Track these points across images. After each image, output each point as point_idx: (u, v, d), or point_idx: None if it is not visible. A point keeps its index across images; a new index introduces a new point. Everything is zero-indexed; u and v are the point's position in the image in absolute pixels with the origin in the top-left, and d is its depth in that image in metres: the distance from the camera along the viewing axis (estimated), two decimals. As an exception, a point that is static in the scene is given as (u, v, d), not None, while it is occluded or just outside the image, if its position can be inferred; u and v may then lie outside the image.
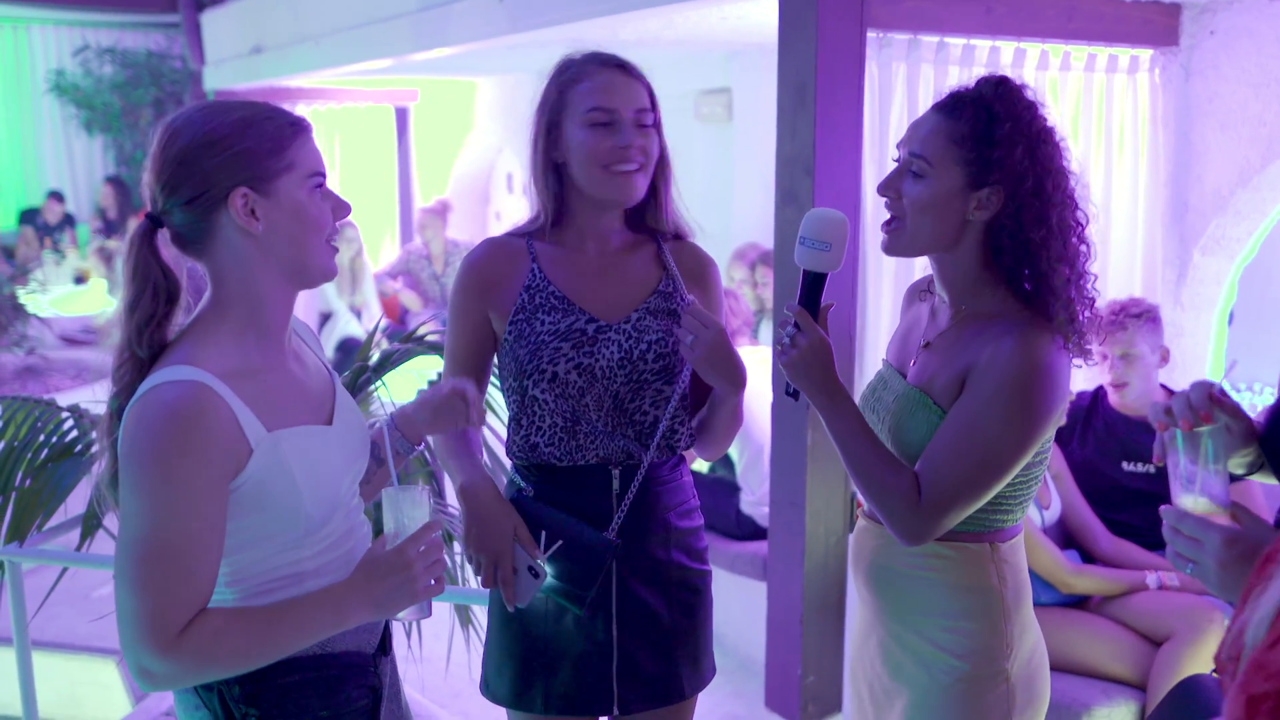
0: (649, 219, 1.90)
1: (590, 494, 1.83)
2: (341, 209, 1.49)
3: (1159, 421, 1.35)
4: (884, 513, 1.66)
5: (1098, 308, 2.97)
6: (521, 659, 1.86)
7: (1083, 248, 1.66)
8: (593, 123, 1.77)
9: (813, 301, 1.67)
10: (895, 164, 1.71)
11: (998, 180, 1.61)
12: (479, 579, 1.81)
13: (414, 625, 2.77)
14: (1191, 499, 1.30)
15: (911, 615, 1.74)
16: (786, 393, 1.73)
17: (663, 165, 1.86)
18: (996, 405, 1.60)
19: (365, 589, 1.41)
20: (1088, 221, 1.68)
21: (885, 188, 1.70)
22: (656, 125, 1.84)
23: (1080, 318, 1.65)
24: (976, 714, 1.69)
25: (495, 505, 1.80)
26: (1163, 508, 1.31)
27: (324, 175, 1.47)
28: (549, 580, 1.80)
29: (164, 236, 1.44)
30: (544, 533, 1.80)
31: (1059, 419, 1.67)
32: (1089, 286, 1.67)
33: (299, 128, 1.45)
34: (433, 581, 1.45)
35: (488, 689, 1.93)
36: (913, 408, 1.70)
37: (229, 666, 1.38)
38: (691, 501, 1.94)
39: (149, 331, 1.42)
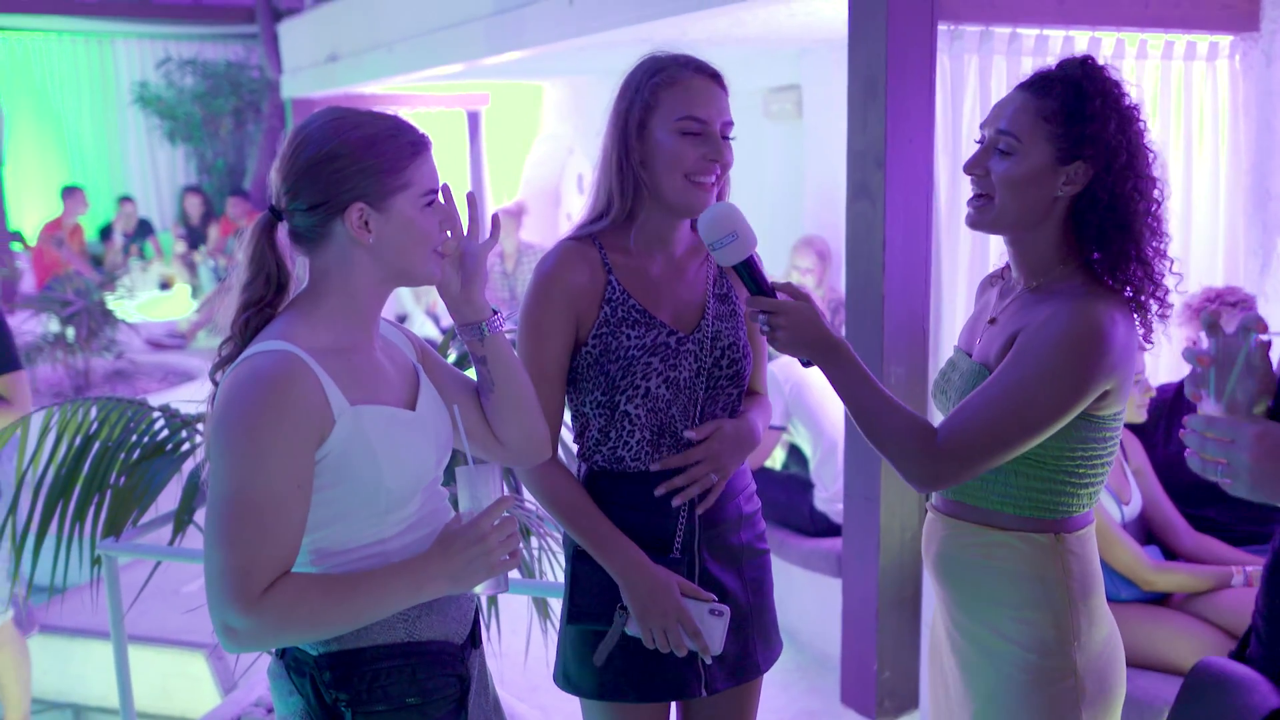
0: None
1: (665, 497, 1.86)
2: (450, 221, 1.57)
3: (1199, 356, 1.32)
4: (896, 458, 1.66)
5: (1188, 293, 2.92)
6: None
7: (1161, 227, 1.67)
8: (684, 131, 1.77)
9: (759, 286, 1.68)
10: (978, 144, 1.71)
11: (1089, 155, 1.62)
12: (665, 646, 1.79)
13: (492, 618, 2.81)
14: (1219, 407, 1.28)
15: (977, 606, 1.74)
16: (804, 364, 1.74)
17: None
18: (1039, 361, 1.60)
19: (442, 561, 1.45)
20: (1164, 201, 1.68)
21: (973, 165, 1.70)
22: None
23: (1148, 300, 1.65)
24: (1044, 705, 1.68)
25: (655, 574, 1.80)
26: (1189, 416, 1.29)
27: (437, 191, 1.54)
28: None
29: (283, 229, 1.53)
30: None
31: (1111, 390, 1.64)
32: (1164, 267, 1.67)
33: (419, 146, 1.52)
34: (508, 556, 1.48)
35: (569, 683, 1.93)
36: (976, 382, 1.71)
37: (308, 629, 1.42)
38: (752, 486, 1.99)
39: (254, 312, 1.51)
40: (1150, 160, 1.65)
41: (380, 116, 1.52)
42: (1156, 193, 1.66)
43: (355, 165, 1.46)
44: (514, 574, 2.72)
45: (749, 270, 1.68)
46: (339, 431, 1.44)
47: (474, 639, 1.65)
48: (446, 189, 1.59)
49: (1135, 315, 1.66)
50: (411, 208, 1.50)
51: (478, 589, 1.51)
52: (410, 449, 1.52)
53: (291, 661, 1.53)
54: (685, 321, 1.87)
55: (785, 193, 6.08)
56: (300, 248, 1.53)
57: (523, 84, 8.62)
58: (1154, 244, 1.65)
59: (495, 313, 1.65)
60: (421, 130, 1.54)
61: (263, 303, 1.52)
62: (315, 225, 1.49)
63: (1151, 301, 1.66)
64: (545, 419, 1.80)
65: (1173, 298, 1.69)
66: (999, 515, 1.71)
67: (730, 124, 1.81)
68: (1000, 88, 2.90)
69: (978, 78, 2.91)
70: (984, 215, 1.70)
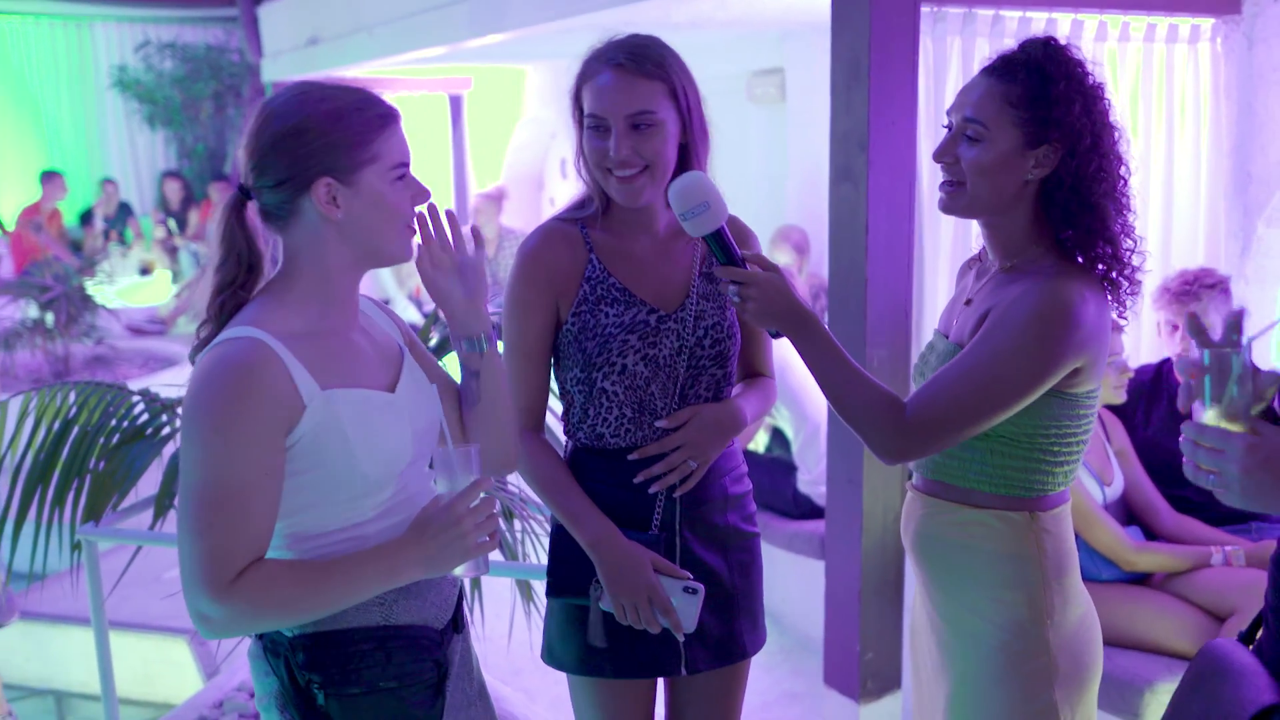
0: None
1: (645, 465, 1.86)
2: (421, 196, 1.54)
3: (1190, 370, 1.32)
4: (864, 431, 1.67)
5: (1167, 277, 2.93)
6: (588, 624, 1.88)
7: (1127, 202, 1.68)
8: (590, 126, 1.80)
9: (729, 256, 1.67)
10: (946, 130, 1.71)
11: (1056, 138, 1.63)
12: (637, 622, 1.80)
13: (475, 602, 2.81)
14: (1214, 413, 1.28)
15: (954, 585, 1.75)
16: (773, 335, 1.74)
17: (696, 144, 1.83)
18: (1008, 337, 1.61)
19: (417, 545, 1.44)
20: (1129, 177, 1.69)
21: (942, 153, 1.71)
22: (687, 112, 1.80)
23: (1119, 276, 1.66)
24: (1017, 684, 1.69)
25: (628, 549, 1.81)
26: (1184, 424, 1.29)
27: (407, 165, 1.52)
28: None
29: (253, 208, 1.51)
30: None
31: (1082, 368, 1.64)
32: (1132, 244, 1.68)
33: (387, 119, 1.50)
34: (485, 538, 1.48)
35: (551, 657, 1.96)
36: (947, 361, 1.72)
37: (282, 615, 1.42)
38: (742, 467, 1.99)
39: (228, 294, 1.50)
40: (1115, 138, 1.66)
41: (347, 89, 1.50)
42: (1123, 169, 1.67)
43: (321, 139, 1.44)
44: (497, 556, 2.72)
45: (719, 240, 1.67)
46: (310, 417, 1.43)
47: (456, 624, 1.64)
48: (428, 196, 1.57)
49: (1108, 293, 1.67)
50: (381, 182, 1.48)
51: (457, 571, 1.50)
52: (386, 432, 1.50)
53: (268, 643, 1.53)
54: (668, 300, 1.87)
55: (769, 176, 6.08)
56: (271, 227, 1.51)
57: (505, 67, 8.59)
58: (1120, 220, 1.66)
59: (495, 328, 1.65)
60: (390, 103, 1.52)
61: (235, 284, 1.50)
62: (283, 202, 1.47)
63: (1121, 279, 1.67)
64: (529, 395, 1.88)
65: (1141, 274, 1.70)
66: (975, 493, 1.73)
67: (647, 111, 1.76)
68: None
69: (960, 60, 2.91)
70: (956, 201, 1.71)
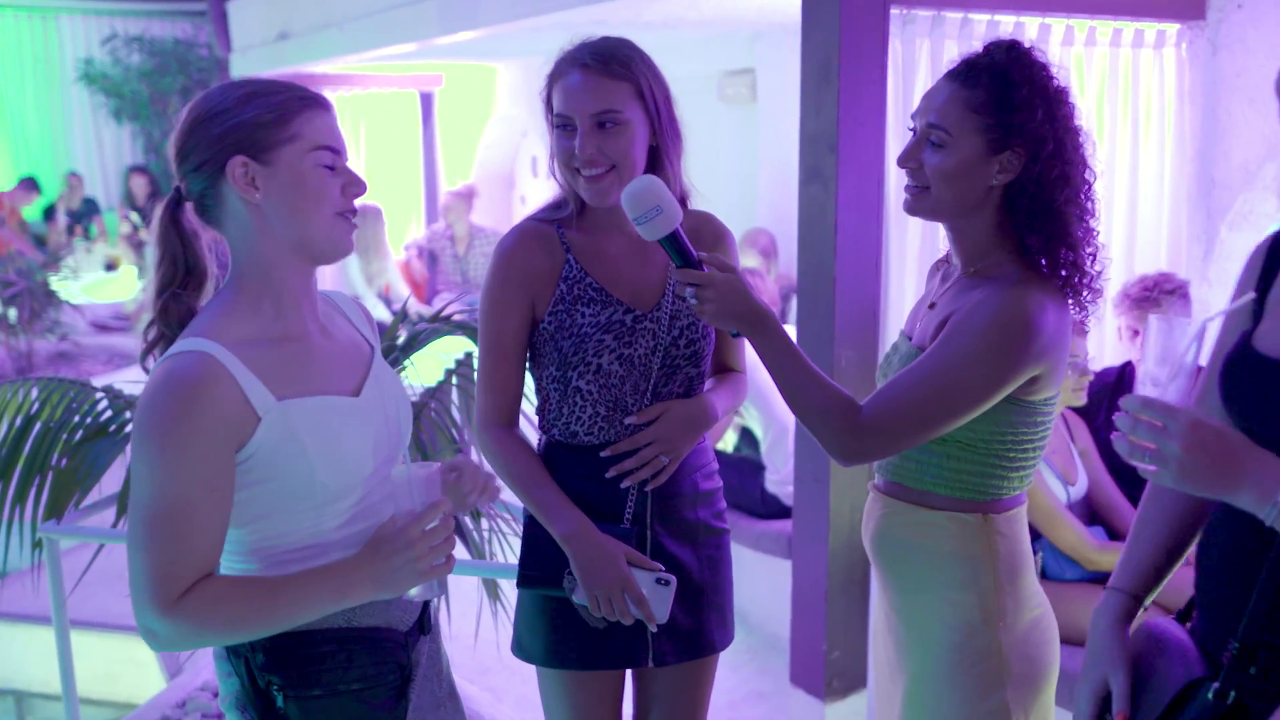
0: None
1: (618, 459, 1.88)
2: (355, 185, 1.49)
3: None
4: (819, 431, 1.67)
5: (1128, 282, 2.95)
6: (556, 618, 1.91)
7: (1090, 207, 1.67)
8: (557, 126, 1.82)
9: (685, 258, 1.68)
10: (911, 133, 1.72)
11: (1019, 144, 1.62)
12: (611, 614, 1.81)
13: (442, 601, 2.80)
14: (1158, 391, 1.27)
15: (908, 585, 1.77)
16: (733, 335, 1.75)
17: (667, 144, 1.85)
18: (966, 344, 1.61)
19: (370, 566, 1.43)
20: (1094, 181, 1.69)
21: (906, 158, 1.71)
22: (656, 111, 1.82)
23: (1080, 284, 1.66)
24: (969, 685, 1.70)
25: (601, 541, 1.82)
26: (1124, 397, 1.28)
27: (336, 151, 1.48)
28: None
29: (189, 210, 1.49)
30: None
31: (1041, 375, 1.65)
32: (1093, 251, 1.68)
33: (310, 101, 1.47)
34: (442, 560, 1.47)
35: (520, 649, 1.97)
36: (909, 363, 1.73)
37: (228, 632, 1.42)
38: (712, 464, 2.00)
39: (167, 298, 1.48)
40: (1079, 143, 1.65)
41: (277, 81, 1.49)
42: (1087, 174, 1.67)
43: (237, 118, 1.42)
44: (464, 555, 2.71)
45: (675, 243, 1.67)
46: (264, 430, 1.41)
47: (422, 626, 1.62)
48: (364, 188, 1.53)
49: (1070, 300, 1.66)
50: (301, 162, 1.44)
51: (411, 593, 1.50)
52: (347, 441, 1.48)
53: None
54: (644, 300, 1.88)
55: (740, 176, 6.09)
56: (207, 222, 1.49)
57: (476, 65, 8.56)
58: (1083, 226, 1.66)
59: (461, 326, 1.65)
60: (323, 95, 1.50)
61: (174, 284, 1.48)
62: (206, 188, 1.45)
63: (1083, 285, 1.67)
64: (504, 392, 1.90)
65: (1102, 281, 1.70)
66: (930, 495, 1.73)
67: (612, 110, 1.77)
68: (951, 72, 2.91)
69: (929, 62, 2.93)
70: (920, 204, 1.71)
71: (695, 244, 1.91)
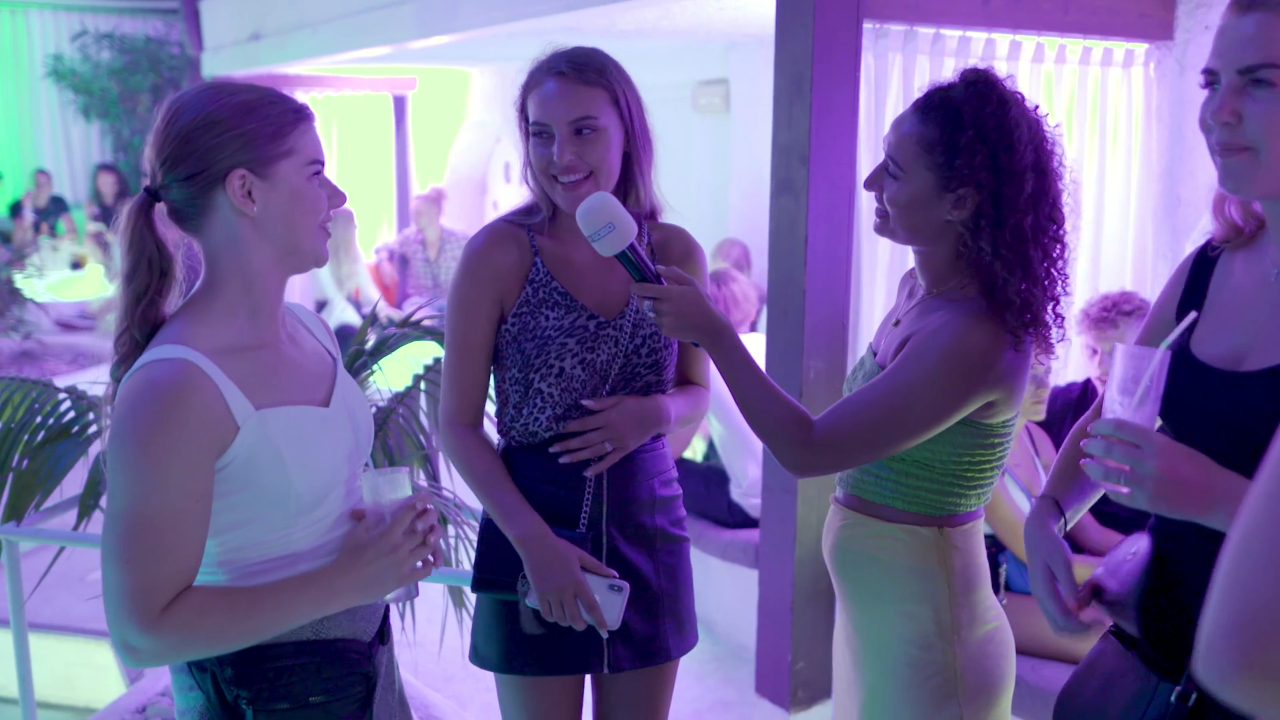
0: (629, 203, 1.92)
1: (576, 463, 1.89)
2: (337, 197, 1.51)
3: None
4: (771, 444, 1.69)
5: (1089, 301, 2.97)
6: (512, 623, 1.91)
7: (1055, 248, 1.65)
8: (534, 134, 1.84)
9: (643, 273, 1.69)
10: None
11: (966, 184, 1.62)
12: (563, 619, 1.82)
13: (407, 608, 2.79)
14: (1126, 416, 1.28)
15: (866, 598, 1.78)
16: (695, 345, 1.76)
17: (639, 152, 1.88)
18: (923, 368, 1.62)
19: (351, 572, 1.43)
20: (1063, 220, 1.67)
21: (869, 184, 1.74)
22: (630, 119, 1.85)
23: (1041, 318, 1.65)
24: (924, 698, 1.71)
25: (556, 545, 1.83)
26: (1097, 421, 1.30)
27: (322, 163, 1.50)
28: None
29: (161, 211, 1.46)
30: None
31: (997, 401, 1.66)
32: (1057, 288, 1.67)
33: (302, 115, 1.47)
34: (419, 564, 1.47)
35: (477, 656, 1.97)
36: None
37: (211, 645, 1.40)
38: (671, 472, 2.01)
39: (143, 305, 1.45)
40: (1026, 188, 1.61)
41: (258, 87, 1.47)
42: (1044, 219, 1.64)
43: (235, 130, 1.41)
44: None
45: (631, 258, 1.69)
46: (243, 438, 1.40)
47: (382, 635, 1.62)
48: (344, 199, 1.54)
49: (1029, 331, 1.65)
50: (297, 175, 1.45)
51: (387, 596, 1.50)
52: (321, 450, 1.48)
53: None
54: (609, 308, 1.90)
55: (712, 186, 6.11)
56: (186, 229, 1.47)
57: (450, 69, 8.54)
58: (1045, 265, 1.64)
59: (429, 331, 1.65)
60: (302, 102, 1.50)
61: (149, 292, 1.45)
62: (195, 198, 1.43)
63: (1046, 318, 1.66)
64: (468, 391, 1.91)
65: (1060, 319, 1.69)
66: (887, 509, 1.75)
67: (589, 117, 1.80)
68: (923, 88, 2.93)
69: (901, 76, 2.95)
70: (884, 229, 1.74)
71: (663, 258, 1.92)
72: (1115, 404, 1.30)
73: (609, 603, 1.83)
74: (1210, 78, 1.32)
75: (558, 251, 1.91)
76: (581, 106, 1.80)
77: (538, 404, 1.88)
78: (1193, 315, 1.37)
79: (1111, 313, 2.98)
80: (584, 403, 1.88)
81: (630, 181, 1.90)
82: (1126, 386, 1.29)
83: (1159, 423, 1.38)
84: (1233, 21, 1.29)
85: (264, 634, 1.42)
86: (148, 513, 1.33)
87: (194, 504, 1.36)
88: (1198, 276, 1.49)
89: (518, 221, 1.94)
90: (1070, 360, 3.38)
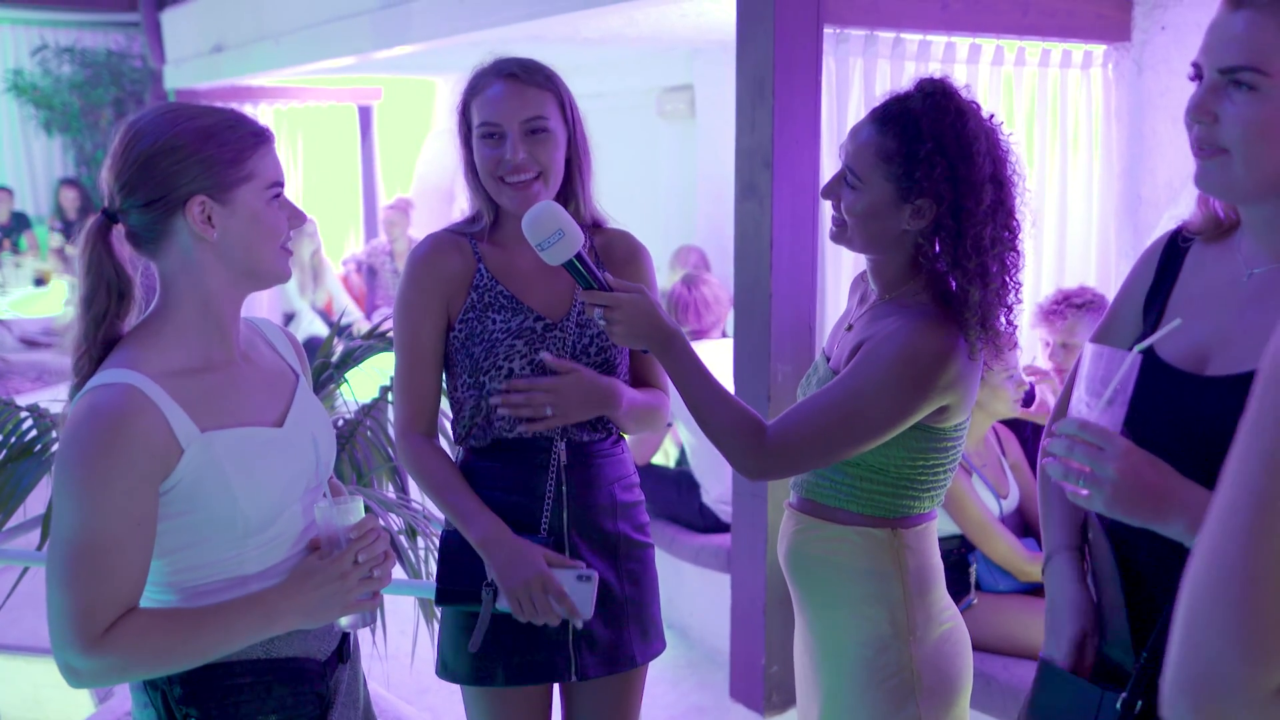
0: (570, 211, 1.92)
1: (535, 469, 1.90)
2: (297, 218, 1.51)
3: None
4: (725, 449, 1.70)
5: (1044, 296, 2.98)
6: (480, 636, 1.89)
7: (1010, 256, 1.66)
8: (483, 135, 1.84)
9: (591, 280, 1.70)
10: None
11: (924, 194, 1.63)
12: (535, 615, 1.81)
13: (378, 620, 2.77)
14: (1092, 417, 1.27)
15: (821, 601, 1.78)
16: (642, 353, 1.78)
17: (580, 160, 1.90)
18: (874, 374, 1.63)
19: (297, 596, 1.43)
20: (1019, 229, 1.68)
21: (826, 193, 1.74)
22: (571, 127, 1.88)
23: (996, 325, 1.66)
24: (881, 699, 1.72)
25: (517, 544, 1.83)
26: (1059, 421, 1.29)
27: (282, 184, 1.49)
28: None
29: (119, 233, 1.46)
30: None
31: (950, 405, 1.67)
32: (1011, 296, 1.68)
33: (261, 138, 1.46)
34: (368, 595, 1.47)
35: (445, 670, 1.97)
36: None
37: (154, 666, 1.39)
38: (632, 477, 2.01)
39: (103, 327, 1.45)
40: (985, 200, 1.62)
41: (217, 109, 1.47)
42: (1002, 230, 1.65)
43: (194, 156, 1.40)
44: (400, 574, 2.68)
45: (579, 266, 1.69)
46: (187, 461, 1.39)
47: (341, 654, 1.61)
48: (304, 219, 1.54)
49: (982, 338, 1.66)
50: (257, 200, 1.45)
51: (342, 622, 1.50)
52: (270, 471, 1.47)
53: None
54: (554, 309, 1.91)
55: (678, 192, 6.12)
56: (142, 252, 1.46)
57: (416, 79, 8.52)
58: (999, 275, 1.65)
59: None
60: (262, 124, 1.49)
61: (107, 315, 1.45)
62: (153, 223, 1.43)
63: (998, 325, 1.67)
64: (420, 398, 1.91)
65: (1013, 325, 1.70)
66: (840, 512, 1.75)
67: (539, 118, 1.83)
68: (883, 90, 2.95)
69: (862, 80, 2.97)
70: (841, 236, 1.74)
71: (607, 261, 1.93)
72: (1082, 404, 1.29)
73: (579, 594, 1.82)
74: (1197, 71, 1.29)
75: (501, 257, 1.92)
76: (533, 106, 1.83)
77: (493, 404, 1.89)
78: (1176, 322, 1.36)
79: (1062, 305, 3.01)
80: (543, 355, 1.86)
81: (571, 189, 1.92)
82: (1094, 387, 1.28)
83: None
84: (1223, 18, 1.26)
85: (208, 655, 1.41)
86: (88, 537, 1.33)
87: (135, 528, 1.35)
88: (1167, 266, 1.47)
89: (460, 231, 1.96)
90: (1035, 361, 3.40)
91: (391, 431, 2.92)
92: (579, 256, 1.68)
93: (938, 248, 1.65)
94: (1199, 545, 0.74)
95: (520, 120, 1.82)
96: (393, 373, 2.99)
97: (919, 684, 1.71)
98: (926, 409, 1.65)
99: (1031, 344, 3.34)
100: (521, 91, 1.83)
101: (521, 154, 1.82)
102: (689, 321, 3.93)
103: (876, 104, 1.71)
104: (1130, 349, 1.29)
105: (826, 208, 2.90)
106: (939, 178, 1.61)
